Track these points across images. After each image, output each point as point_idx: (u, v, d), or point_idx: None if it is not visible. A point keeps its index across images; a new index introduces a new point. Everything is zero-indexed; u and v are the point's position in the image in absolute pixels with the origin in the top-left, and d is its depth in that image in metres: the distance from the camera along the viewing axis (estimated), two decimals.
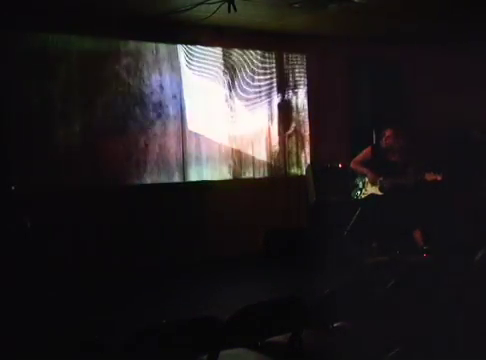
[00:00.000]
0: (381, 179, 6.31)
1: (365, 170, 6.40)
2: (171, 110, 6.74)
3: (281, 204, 7.33)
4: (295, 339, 2.89)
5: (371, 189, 6.36)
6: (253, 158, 7.28)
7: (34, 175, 5.91)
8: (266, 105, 7.36)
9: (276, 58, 7.41)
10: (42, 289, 5.09)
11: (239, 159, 7.19)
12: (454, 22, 6.78)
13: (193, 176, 6.89)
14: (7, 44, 5.75)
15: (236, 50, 7.12)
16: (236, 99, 7.15)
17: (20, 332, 4.06)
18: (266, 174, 7.38)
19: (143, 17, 6.19)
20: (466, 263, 4.02)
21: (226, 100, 7.09)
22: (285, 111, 7.49)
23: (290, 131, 7.53)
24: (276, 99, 7.42)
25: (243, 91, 7.19)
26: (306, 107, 7.62)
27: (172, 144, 6.74)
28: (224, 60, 7.06)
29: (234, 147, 7.16)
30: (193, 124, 6.88)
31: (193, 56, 6.86)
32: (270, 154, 7.39)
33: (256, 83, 7.27)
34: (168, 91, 6.72)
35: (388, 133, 6.35)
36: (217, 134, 7.05)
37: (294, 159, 7.56)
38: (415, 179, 6.21)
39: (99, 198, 6.20)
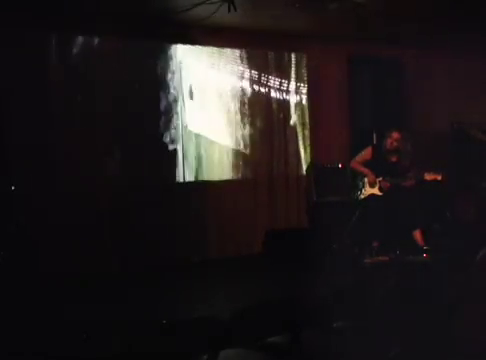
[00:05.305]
0: (380, 179, 6.31)
1: (365, 170, 6.40)
2: (171, 110, 6.74)
3: (281, 204, 7.34)
4: (295, 339, 2.89)
5: (371, 189, 6.36)
6: (253, 158, 7.28)
7: (34, 176, 5.91)
8: (266, 105, 7.36)
9: (276, 58, 7.41)
10: (40, 289, 5.09)
11: (239, 159, 7.19)
12: (453, 22, 6.78)
13: (193, 176, 6.90)
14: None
15: (237, 50, 7.13)
16: (236, 98, 7.15)
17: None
18: (266, 173, 7.38)
19: (143, 17, 6.20)
20: (466, 263, 4.03)
21: (226, 99, 7.10)
22: (285, 111, 7.49)
23: (290, 131, 7.53)
24: (276, 99, 7.42)
25: (244, 90, 7.20)
26: (306, 107, 7.61)
27: (172, 144, 6.74)
28: (224, 59, 7.07)
29: (234, 147, 7.16)
30: (193, 124, 6.89)
31: (193, 56, 6.87)
32: (270, 154, 7.39)
33: (256, 83, 7.27)
34: (168, 90, 6.72)
35: (395, 136, 6.29)
36: (217, 134, 7.05)
37: (294, 159, 7.55)
38: (415, 179, 6.21)
39: (97, 198, 6.21)
